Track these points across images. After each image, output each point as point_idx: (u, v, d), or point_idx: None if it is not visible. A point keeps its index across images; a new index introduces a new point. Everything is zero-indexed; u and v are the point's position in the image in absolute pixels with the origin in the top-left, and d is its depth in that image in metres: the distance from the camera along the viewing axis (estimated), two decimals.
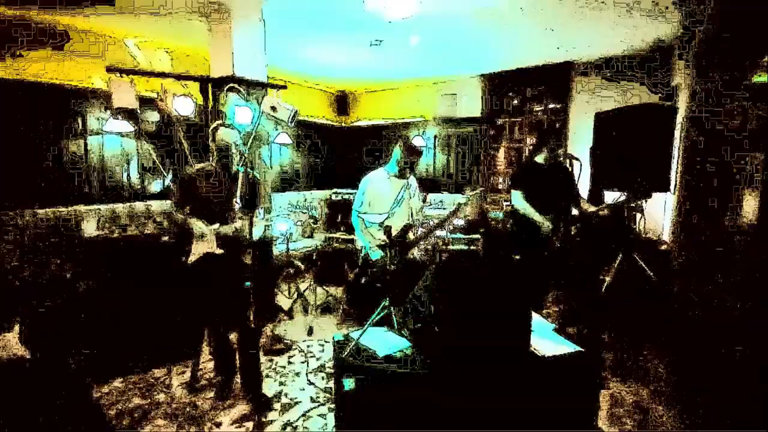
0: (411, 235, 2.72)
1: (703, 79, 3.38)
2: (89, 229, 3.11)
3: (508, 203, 5.01)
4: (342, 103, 6.92)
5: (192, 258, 2.29)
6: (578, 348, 1.98)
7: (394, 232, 2.79)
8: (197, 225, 2.25)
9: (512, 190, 3.22)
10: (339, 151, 6.72)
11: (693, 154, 3.44)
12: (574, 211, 3.36)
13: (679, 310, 3.45)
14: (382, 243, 2.66)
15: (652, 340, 3.22)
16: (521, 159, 5.27)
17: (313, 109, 6.44)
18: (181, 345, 2.92)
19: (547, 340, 2.03)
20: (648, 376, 2.76)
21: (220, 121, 2.52)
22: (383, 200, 2.70)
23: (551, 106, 5.08)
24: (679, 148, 3.55)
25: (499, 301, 1.79)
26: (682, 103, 3.57)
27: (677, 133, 3.49)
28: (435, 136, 5.89)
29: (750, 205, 3.35)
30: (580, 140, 4.73)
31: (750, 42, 2.92)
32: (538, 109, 5.19)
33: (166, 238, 2.99)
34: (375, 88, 6.54)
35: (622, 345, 3.17)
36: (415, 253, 2.92)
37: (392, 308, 2.06)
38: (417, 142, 5.74)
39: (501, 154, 5.49)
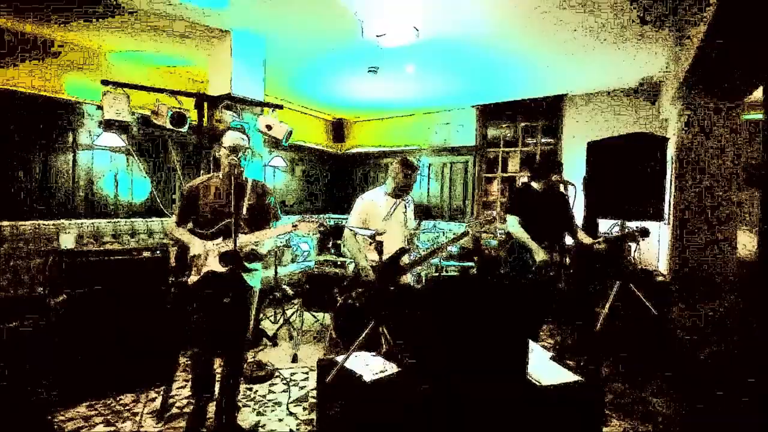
0: (406, 259, 2.64)
1: (691, 113, 3.47)
2: (67, 243, 2.98)
3: (502, 231, 4.98)
4: (338, 129, 7.01)
5: (193, 278, 2.12)
6: (578, 377, 1.87)
7: (387, 253, 2.71)
8: (197, 242, 2.11)
9: (508, 215, 3.18)
10: (333, 177, 6.73)
11: (684, 185, 3.46)
12: (570, 241, 3.31)
13: (678, 343, 3.34)
14: (375, 264, 2.56)
15: (653, 375, 3.08)
16: (515, 187, 5.29)
17: (310, 134, 6.51)
18: (153, 369, 2.73)
19: (545, 368, 1.91)
20: (651, 413, 2.61)
21: (229, 126, 2.44)
22: (377, 218, 2.63)
23: (543, 137, 5.16)
24: (671, 179, 3.58)
25: (494, 325, 1.69)
26: (672, 136, 3.64)
27: (669, 164, 3.53)
28: (429, 165, 5.93)
29: (745, 240, 3.34)
30: (572, 170, 4.77)
31: (735, 79, 3.02)
32: (530, 140, 5.28)
33: (147, 254, 2.86)
34: (371, 116, 6.65)
35: (622, 380, 3.03)
36: (409, 277, 2.82)
37: (381, 330, 1.94)
38: None
39: (494, 184, 5.52)
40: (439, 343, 1.66)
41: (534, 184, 3.23)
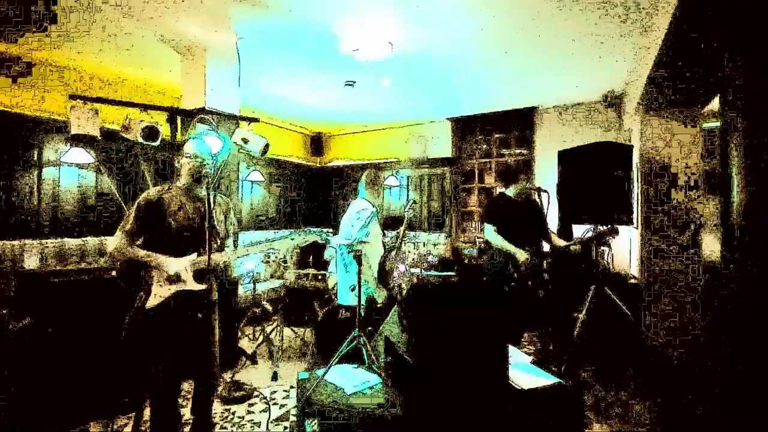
0: (387, 265, 2.64)
1: (651, 122, 3.66)
2: (31, 263, 2.83)
3: (482, 239, 5.05)
4: (317, 143, 7.02)
5: (154, 300, 1.92)
6: (557, 380, 1.89)
7: (373, 262, 2.70)
8: (170, 261, 1.93)
9: (485, 224, 3.23)
10: (312, 191, 6.70)
11: (649, 191, 3.62)
12: (545, 247, 3.39)
13: (651, 345, 3.44)
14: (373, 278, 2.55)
15: (630, 378, 3.15)
16: (491, 196, 5.40)
17: (289, 148, 6.48)
18: (123, 395, 2.59)
19: (525, 372, 1.93)
20: (628, 414, 2.65)
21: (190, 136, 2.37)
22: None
23: (517, 148, 5.32)
24: (637, 186, 3.73)
25: (474, 329, 1.70)
26: (636, 143, 3.81)
27: (635, 171, 3.69)
28: (408, 177, 5.99)
29: (710, 243, 3.50)
30: (545, 179, 4.92)
31: (692, 90, 3.21)
32: (505, 151, 5.43)
33: (114, 273, 2.75)
34: (349, 129, 6.70)
35: (601, 383, 3.08)
36: (390, 282, 2.82)
37: (362, 341, 1.92)
38: (389, 181, 5.82)
39: (473, 195, 5.62)
40: (420, 350, 1.65)
41: (509, 193, 3.30)
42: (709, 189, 3.57)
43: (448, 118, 5.68)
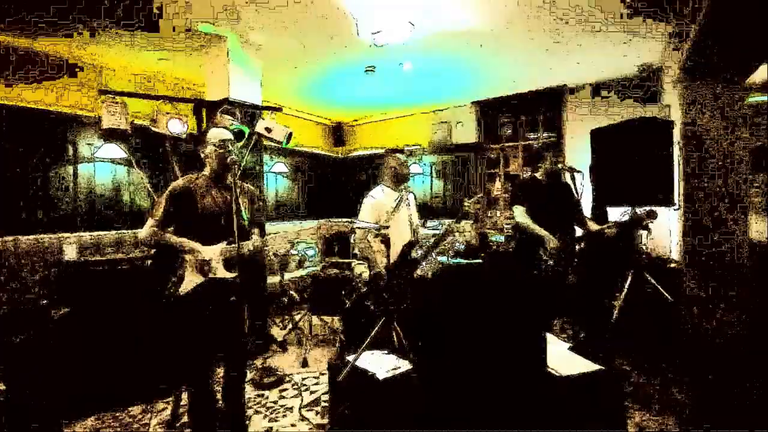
0: (414, 253, 2.58)
1: (693, 96, 3.41)
2: (70, 254, 2.95)
3: (509, 225, 4.92)
4: (338, 133, 7.00)
5: (187, 286, 1.95)
6: (598, 367, 1.81)
7: (395, 248, 2.65)
8: (201, 246, 1.95)
9: (515, 207, 3.11)
10: (335, 181, 6.70)
11: (692, 170, 3.40)
12: (578, 231, 3.25)
13: (694, 331, 3.26)
14: (386, 263, 2.52)
15: (671, 365, 3.00)
16: (520, 179, 5.24)
17: (310, 140, 6.49)
18: (162, 379, 2.68)
19: (563, 359, 1.85)
20: (670, 403, 2.53)
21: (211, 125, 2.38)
22: (385, 213, 2.60)
23: (545, 130, 5.11)
24: (678, 164, 3.51)
25: (509, 316, 1.63)
26: (677, 119, 3.57)
27: (675, 149, 3.47)
28: (431, 164, 5.88)
29: (756, 224, 3.26)
30: (576, 163, 4.71)
31: (737, 60, 2.96)
32: (531, 135, 5.23)
33: (149, 262, 2.83)
34: (370, 118, 6.64)
35: (640, 371, 2.95)
36: (418, 272, 2.76)
37: (393, 327, 1.89)
38: (412, 169, 5.73)
39: (497, 181, 5.46)
40: (454, 336, 1.60)
41: (538, 176, 3.17)
42: (756, 166, 3.31)
43: (472, 102, 5.52)
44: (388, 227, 1.88)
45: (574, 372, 1.73)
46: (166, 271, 2.01)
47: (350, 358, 1.90)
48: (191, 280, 1.96)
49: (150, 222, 1.96)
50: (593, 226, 3.16)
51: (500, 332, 1.58)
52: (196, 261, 1.95)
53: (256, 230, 2.23)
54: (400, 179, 2.65)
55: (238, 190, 1.99)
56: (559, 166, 3.11)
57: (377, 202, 2.71)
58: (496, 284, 1.77)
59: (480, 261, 4.42)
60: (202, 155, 2.09)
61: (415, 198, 2.92)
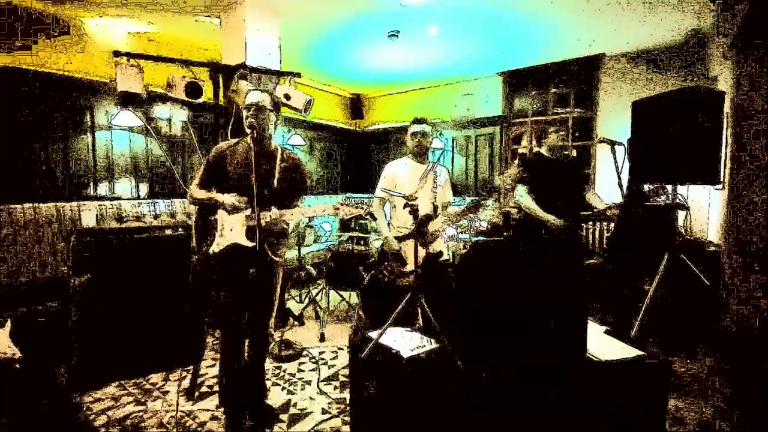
0: (431, 228, 2.45)
1: (748, 66, 3.10)
2: (90, 221, 2.94)
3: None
4: (356, 106, 6.79)
5: (215, 248, 1.98)
6: (639, 352, 1.68)
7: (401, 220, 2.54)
8: (220, 196, 1.95)
9: (517, 185, 2.97)
10: (352, 156, 6.55)
11: (742, 145, 3.12)
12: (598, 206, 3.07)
13: (734, 318, 3.07)
14: (403, 234, 2.41)
15: (709, 353, 2.85)
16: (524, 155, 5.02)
17: (327, 112, 6.31)
18: (181, 348, 2.68)
19: (601, 343, 1.72)
20: (709, 390, 2.39)
21: (249, 86, 2.28)
22: (404, 183, 2.49)
23: (576, 103, 4.81)
24: (726, 138, 3.24)
25: (548, 293, 1.50)
26: (728, 91, 3.27)
27: (724, 123, 3.18)
28: (453, 139, 5.66)
29: None
30: (609, 135, 4.45)
31: None
32: (560, 109, 4.93)
33: (169, 232, 2.78)
34: (390, 90, 6.39)
35: (677, 357, 2.81)
36: (441, 244, 2.65)
37: (419, 303, 1.79)
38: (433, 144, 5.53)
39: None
40: (485, 314, 1.49)
41: (543, 152, 3.00)
42: None
43: (498, 73, 5.22)
44: (416, 197, 1.75)
45: (613, 357, 1.61)
46: (204, 228, 2.05)
47: (372, 334, 1.82)
48: (218, 242, 1.99)
49: (195, 181, 2.06)
50: (599, 204, 2.98)
51: (539, 310, 1.46)
52: (228, 206, 1.93)
53: (299, 203, 2.14)
54: (418, 151, 2.52)
55: (278, 158, 2.02)
56: (552, 140, 2.91)
57: (391, 171, 2.64)
58: (532, 256, 1.64)
59: (502, 239, 4.27)
60: (242, 116, 1.98)
61: (449, 173, 2.80)
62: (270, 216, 1.93)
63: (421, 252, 2.15)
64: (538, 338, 1.44)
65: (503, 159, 5.23)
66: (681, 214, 3.72)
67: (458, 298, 1.90)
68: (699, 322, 3.05)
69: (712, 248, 3.41)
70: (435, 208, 2.32)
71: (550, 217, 2.79)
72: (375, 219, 2.56)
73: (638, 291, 3.08)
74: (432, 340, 1.79)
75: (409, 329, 1.93)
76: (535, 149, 3.16)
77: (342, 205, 1.93)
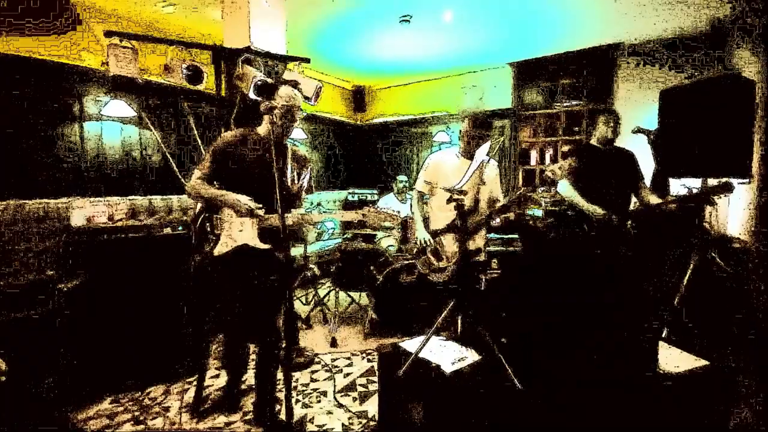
0: (471, 223, 2.27)
1: None
2: (78, 221, 2.69)
3: (547, 200, 4.56)
4: (359, 98, 6.55)
5: (221, 249, 1.79)
6: (704, 361, 1.51)
7: (438, 216, 2.36)
8: (235, 197, 1.77)
9: (560, 180, 2.80)
10: (355, 150, 6.33)
11: None
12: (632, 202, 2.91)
13: (765, 318, 2.95)
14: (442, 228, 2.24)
15: (745, 352, 2.71)
16: (557, 153, 4.85)
17: (328, 105, 6.07)
18: (183, 358, 2.46)
19: (664, 354, 1.55)
20: (745, 393, 2.25)
21: (256, 72, 2.11)
22: (447, 175, 2.30)
23: (590, 95, 4.64)
24: (757, 131, 3.09)
25: (614, 307, 1.33)
26: (758, 80, 3.12)
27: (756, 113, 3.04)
28: (460, 132, 5.46)
29: None
30: (626, 126, 4.30)
31: None
32: (574, 102, 4.76)
33: (168, 230, 2.55)
34: (394, 81, 6.16)
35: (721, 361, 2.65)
36: (480, 242, 2.45)
37: (462, 311, 1.59)
38: (439, 137, 5.34)
39: (535, 150, 5.05)
40: (550, 327, 1.31)
41: (593, 141, 2.84)
42: None
43: (509, 63, 5.03)
44: (464, 192, 1.56)
45: (681, 369, 1.44)
46: (206, 231, 1.87)
47: (406, 345, 1.62)
48: (226, 242, 1.80)
49: (197, 173, 1.84)
50: (654, 200, 2.81)
51: (606, 330, 1.28)
52: (243, 209, 1.75)
53: (301, 203, 2.04)
54: (467, 144, 2.32)
55: (289, 156, 1.87)
56: (603, 131, 2.75)
57: (433, 164, 2.45)
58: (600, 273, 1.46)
59: (515, 237, 4.10)
60: (263, 109, 1.71)
61: (499, 167, 2.64)
62: (292, 219, 1.77)
63: (455, 247, 1.98)
64: (607, 350, 1.26)
65: (515, 152, 5.05)
66: (711, 210, 3.57)
67: (493, 301, 1.72)
68: (727, 321, 2.91)
69: (737, 244, 3.28)
70: (477, 201, 2.14)
71: (596, 209, 2.60)
72: (407, 229, 2.40)
73: (662, 287, 2.94)
74: (472, 350, 1.61)
75: (443, 338, 1.74)
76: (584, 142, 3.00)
77: (369, 211, 1.75)
